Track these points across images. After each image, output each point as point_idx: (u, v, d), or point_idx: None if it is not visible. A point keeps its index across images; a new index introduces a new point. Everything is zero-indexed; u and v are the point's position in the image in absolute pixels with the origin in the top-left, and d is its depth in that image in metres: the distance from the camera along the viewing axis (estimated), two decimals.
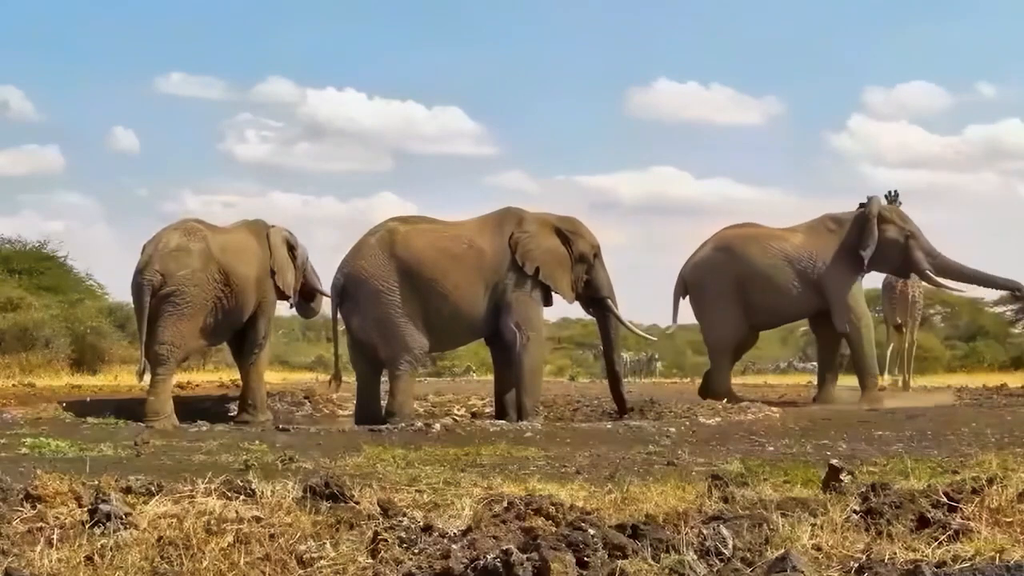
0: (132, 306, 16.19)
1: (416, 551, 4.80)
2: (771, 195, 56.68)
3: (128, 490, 6.02)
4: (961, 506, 5.32)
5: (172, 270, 14.05)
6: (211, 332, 14.58)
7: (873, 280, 17.13)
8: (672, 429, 11.82)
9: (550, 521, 5.30)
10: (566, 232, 14.10)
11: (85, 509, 5.45)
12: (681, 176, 60.03)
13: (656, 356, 29.22)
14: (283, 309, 16.50)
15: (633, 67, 59.23)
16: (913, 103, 57.41)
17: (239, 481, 6.04)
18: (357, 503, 5.82)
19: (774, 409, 14.63)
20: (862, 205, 16.23)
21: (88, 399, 16.02)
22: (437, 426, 12.51)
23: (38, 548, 4.68)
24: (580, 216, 14.54)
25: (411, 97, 64.47)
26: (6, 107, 53.48)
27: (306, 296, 16.18)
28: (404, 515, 5.48)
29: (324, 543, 4.94)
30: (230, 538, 4.90)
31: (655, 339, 24.31)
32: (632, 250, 51.36)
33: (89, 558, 4.60)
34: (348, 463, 8.58)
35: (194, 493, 5.68)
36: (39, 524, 5.14)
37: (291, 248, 15.64)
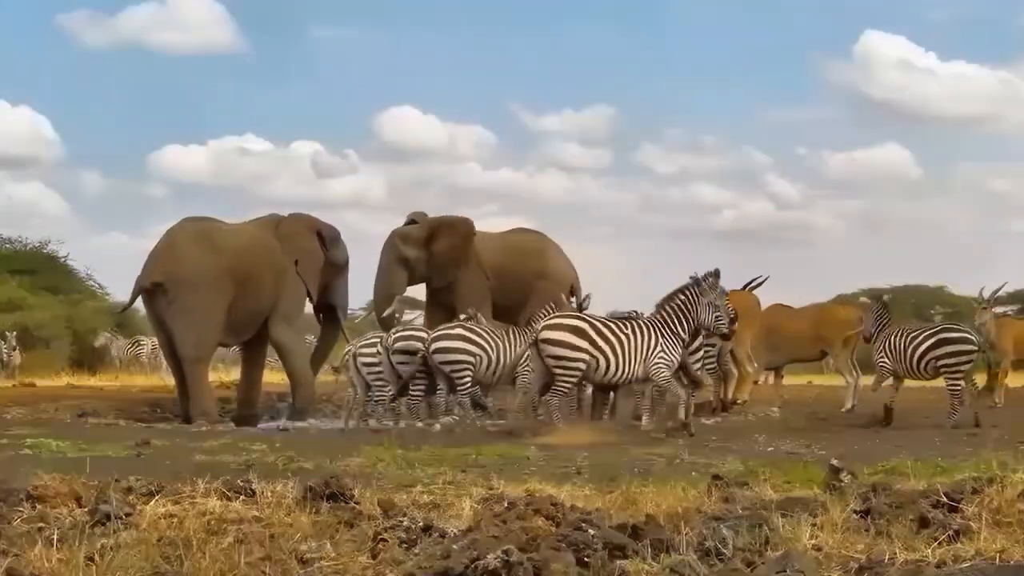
0: (132, 307, 16.38)
1: (416, 551, 4.80)
2: None
3: (129, 490, 6.01)
4: (961, 506, 5.32)
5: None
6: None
7: None
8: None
9: (550, 521, 5.30)
10: None
11: (85, 509, 5.45)
12: None
13: None
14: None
15: None
16: None
17: (239, 481, 6.04)
18: (357, 503, 5.82)
19: (774, 409, 14.63)
20: None
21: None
22: (437, 426, 12.51)
23: (38, 548, 4.68)
24: None
25: None
26: None
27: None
28: (404, 515, 5.48)
29: (324, 543, 4.94)
30: (230, 538, 4.90)
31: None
32: None
33: (89, 558, 4.60)
34: (348, 463, 8.58)
35: (194, 493, 5.68)
36: (40, 524, 5.15)
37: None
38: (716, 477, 6.57)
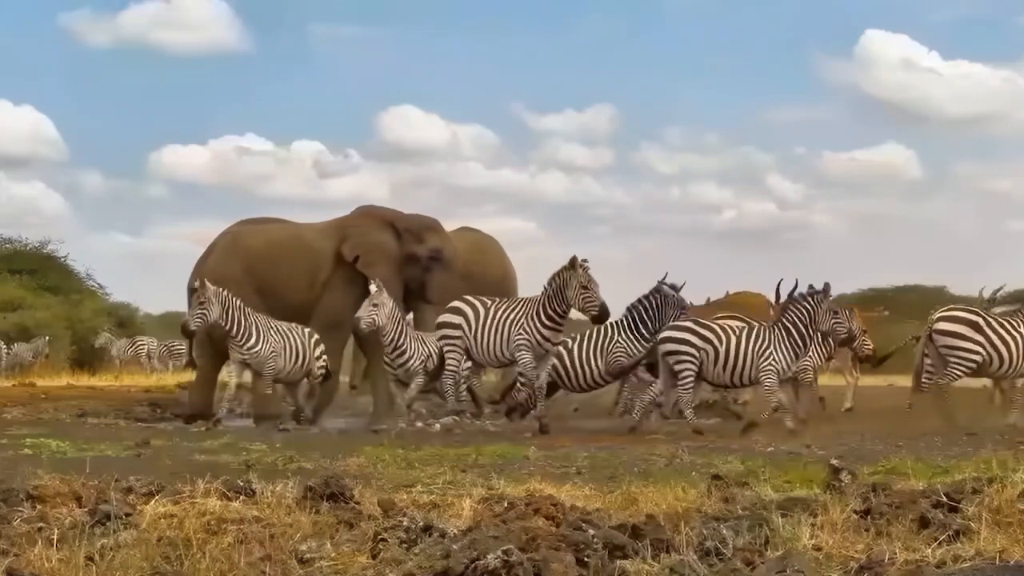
0: (132, 307, 16.46)
1: (416, 551, 4.80)
2: None
3: (129, 490, 6.02)
4: (961, 506, 5.32)
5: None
6: None
7: None
8: (673, 429, 11.81)
9: (550, 521, 5.30)
10: None
11: (85, 509, 5.45)
12: None
13: None
14: None
15: None
16: None
17: (239, 481, 6.04)
18: (357, 503, 5.82)
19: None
20: None
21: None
22: (437, 426, 12.52)
23: (38, 548, 4.68)
24: None
25: None
26: None
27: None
28: (404, 515, 5.48)
29: (324, 543, 4.94)
30: (230, 538, 4.90)
31: None
32: None
33: (89, 558, 4.60)
34: (348, 463, 8.58)
35: (194, 493, 5.68)
36: (40, 524, 5.15)
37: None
38: (716, 477, 6.57)
